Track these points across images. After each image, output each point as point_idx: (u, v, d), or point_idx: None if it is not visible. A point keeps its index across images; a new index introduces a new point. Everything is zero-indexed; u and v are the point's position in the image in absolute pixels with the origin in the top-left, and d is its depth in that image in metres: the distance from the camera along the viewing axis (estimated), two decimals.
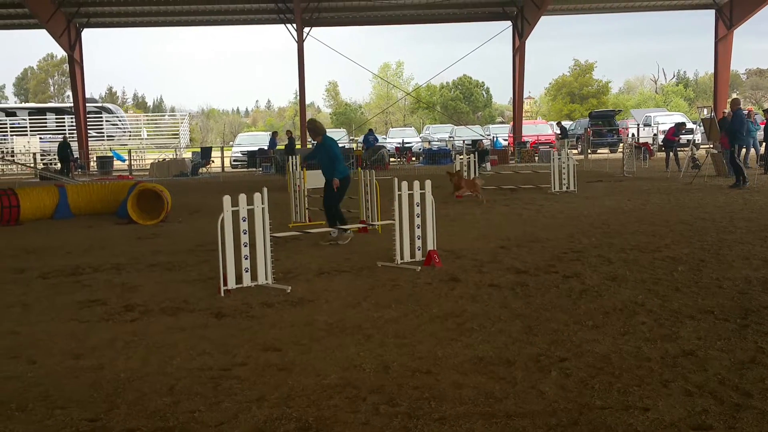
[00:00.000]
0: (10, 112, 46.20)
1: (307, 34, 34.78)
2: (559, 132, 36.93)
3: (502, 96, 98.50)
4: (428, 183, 8.61)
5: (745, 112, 20.54)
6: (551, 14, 38.03)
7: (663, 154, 25.55)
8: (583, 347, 5.24)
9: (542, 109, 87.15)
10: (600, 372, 4.72)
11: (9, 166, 37.07)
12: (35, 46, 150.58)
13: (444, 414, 4.13)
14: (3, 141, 42.56)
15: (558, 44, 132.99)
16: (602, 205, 14.38)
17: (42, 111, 47.19)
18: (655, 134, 37.47)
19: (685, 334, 5.47)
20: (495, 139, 39.97)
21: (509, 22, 37.07)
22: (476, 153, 20.96)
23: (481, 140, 33.44)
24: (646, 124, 40.38)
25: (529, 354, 5.14)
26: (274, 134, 35.71)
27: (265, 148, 33.79)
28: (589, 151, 34.81)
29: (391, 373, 4.84)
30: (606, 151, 38.72)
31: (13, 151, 39.93)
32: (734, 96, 43.43)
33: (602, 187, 18.54)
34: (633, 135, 34.34)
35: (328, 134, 10.94)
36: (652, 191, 16.73)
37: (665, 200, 14.80)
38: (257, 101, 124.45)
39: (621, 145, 31.93)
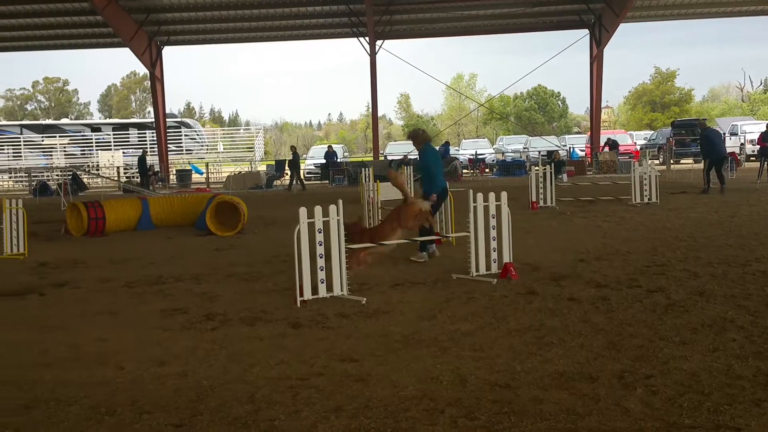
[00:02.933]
0: (95, 128, 48.10)
1: (380, 46, 35.05)
2: (608, 147, 35.81)
3: (578, 106, 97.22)
4: (504, 194, 8.52)
5: None
6: (630, 21, 37.25)
7: (756, 163, 24.60)
8: (669, 364, 5.07)
9: (621, 118, 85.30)
10: (688, 390, 4.55)
11: (94, 179, 38.51)
12: (119, 64, 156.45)
13: (524, 429, 4.05)
14: (89, 155, 44.30)
15: (637, 52, 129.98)
16: (687, 217, 13.94)
17: (125, 126, 48.98)
18: (742, 143, 36.15)
19: None
20: (571, 149, 39.33)
21: (586, 31, 36.49)
22: (552, 164, 20.63)
23: (557, 151, 32.94)
24: (733, 134, 39.00)
25: (613, 370, 5.00)
26: (330, 148, 36.53)
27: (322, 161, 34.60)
28: (672, 162, 33.84)
29: (469, 386, 4.78)
30: (690, 161, 37.58)
31: (98, 165, 41.48)
32: None
33: (686, 198, 17.99)
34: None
35: (429, 143, 10.32)
36: (741, 203, 16.12)
37: (754, 212, 14.24)
38: (329, 114, 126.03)
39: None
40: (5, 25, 34.84)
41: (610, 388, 4.66)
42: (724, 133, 38.28)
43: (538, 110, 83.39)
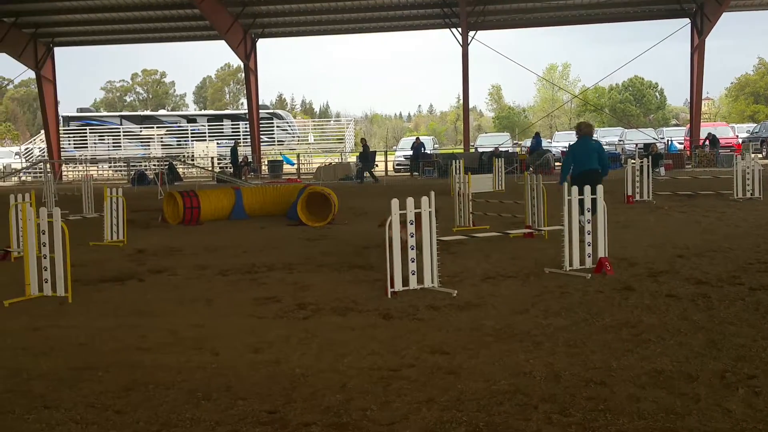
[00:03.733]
0: (191, 119, 49.62)
1: (472, 37, 34.67)
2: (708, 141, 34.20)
3: (676, 98, 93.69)
4: (600, 188, 8.29)
5: None
6: (733, 10, 35.58)
7: None
8: None
9: (722, 110, 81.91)
10: None
11: (189, 169, 39.75)
12: (214, 56, 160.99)
13: (621, 428, 3.94)
14: (184, 146, 45.76)
15: (740, 42, 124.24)
16: None
17: (219, 117, 50.29)
18: None
19: None
20: (670, 142, 37.99)
21: (687, 20, 35.06)
22: (649, 157, 19.96)
23: (655, 144, 31.83)
24: None
25: (713, 369, 4.80)
26: (417, 139, 36.26)
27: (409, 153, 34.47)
28: None
29: (563, 382, 4.68)
30: None
31: (193, 156, 42.79)
32: None
33: None
34: None
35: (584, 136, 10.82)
36: None
37: None
38: (419, 106, 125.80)
39: None
40: (106, 19, 36.24)
41: (710, 387, 4.48)
42: None
43: (635, 102, 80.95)
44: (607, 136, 44.02)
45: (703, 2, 33.38)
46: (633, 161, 17.38)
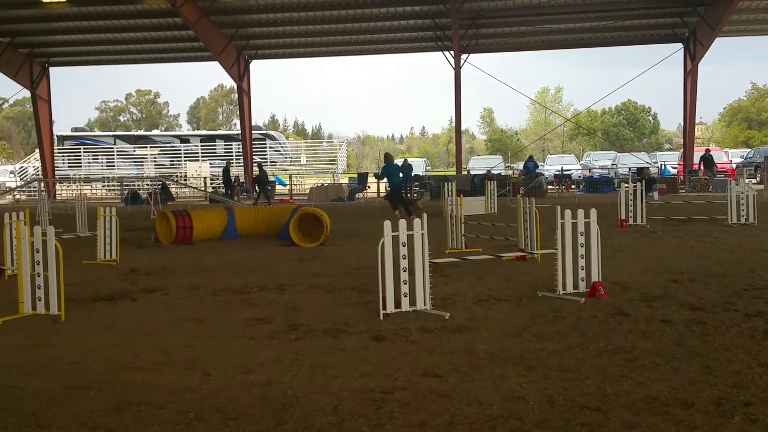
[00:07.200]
0: (184, 139, 49.71)
1: (465, 60, 34.89)
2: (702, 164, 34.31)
3: (670, 122, 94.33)
4: (593, 212, 8.30)
5: None
6: (726, 35, 36.00)
7: None
8: None
9: (715, 135, 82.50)
10: None
11: (182, 189, 39.72)
12: (207, 77, 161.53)
13: None
14: (177, 166, 45.74)
15: (733, 67, 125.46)
16: None
17: (212, 138, 50.39)
18: None
19: None
20: (663, 166, 38.16)
21: (680, 45, 35.42)
22: (642, 181, 20.04)
23: (648, 168, 31.94)
24: None
25: (709, 396, 4.77)
26: (404, 161, 36.24)
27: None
28: None
29: (557, 407, 4.65)
30: None
31: (185, 175, 42.77)
32: None
33: None
34: None
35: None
36: None
37: None
38: (412, 128, 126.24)
39: None
40: (101, 40, 36.39)
41: (706, 414, 4.45)
42: None
43: (627, 126, 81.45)
44: (599, 159, 44.22)
45: (696, 27, 33.73)
46: (626, 185, 17.43)
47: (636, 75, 40.38)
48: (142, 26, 34.42)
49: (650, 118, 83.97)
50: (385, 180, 21.16)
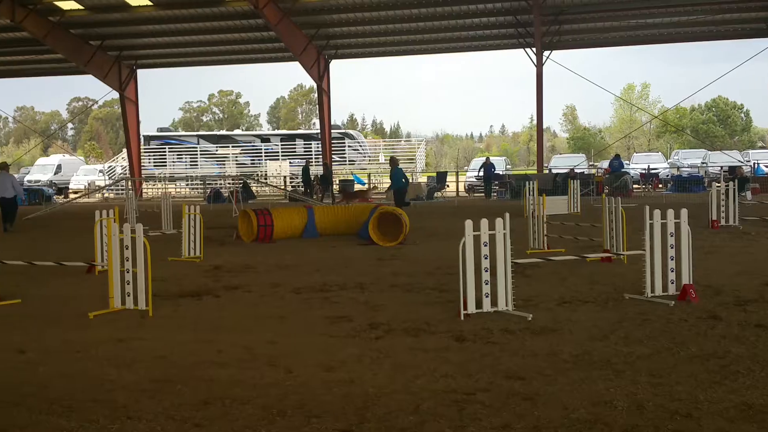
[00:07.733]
0: (264, 139, 50.66)
1: (547, 57, 34.26)
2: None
3: (764, 119, 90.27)
4: (684, 212, 8.00)
5: None
6: None
7: None
8: None
9: None
10: None
11: (263, 188, 40.46)
12: (287, 77, 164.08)
13: None
14: (258, 164, 46.64)
15: None
16: None
17: (292, 137, 51.16)
18: None
19: None
20: (756, 165, 36.61)
21: None
22: (735, 180, 19.25)
23: (740, 166, 30.64)
24: None
25: None
26: (486, 159, 35.85)
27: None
28: None
29: (646, 413, 4.49)
30: None
31: (266, 174, 43.54)
32: None
33: None
34: None
35: None
36: None
37: None
38: (491, 126, 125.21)
39: None
40: (186, 42, 37.36)
41: None
42: None
43: (718, 123, 78.53)
44: (689, 158, 42.74)
45: None
46: (718, 185, 16.74)
47: (727, 71, 38.57)
48: (225, 28, 35.16)
49: (742, 115, 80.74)
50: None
